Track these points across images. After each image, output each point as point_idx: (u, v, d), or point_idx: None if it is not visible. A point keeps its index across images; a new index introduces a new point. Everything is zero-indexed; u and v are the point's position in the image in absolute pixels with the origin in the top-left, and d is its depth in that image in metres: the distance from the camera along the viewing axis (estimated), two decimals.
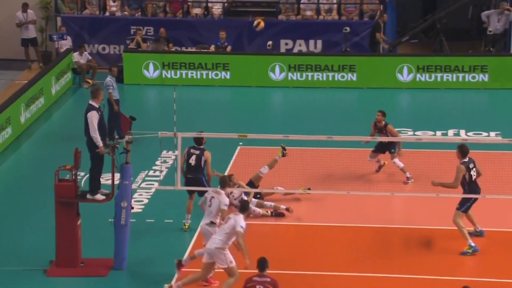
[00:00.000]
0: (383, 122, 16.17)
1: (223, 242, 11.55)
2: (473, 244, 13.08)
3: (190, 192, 14.07)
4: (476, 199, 13.28)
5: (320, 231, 14.08)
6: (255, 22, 16.04)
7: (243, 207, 11.77)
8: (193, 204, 13.95)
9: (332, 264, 12.81)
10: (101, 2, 25.74)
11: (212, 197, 12.29)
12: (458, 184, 13.07)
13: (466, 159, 13.21)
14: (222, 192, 12.30)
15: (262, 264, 10.62)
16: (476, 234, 13.56)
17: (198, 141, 14.11)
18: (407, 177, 15.97)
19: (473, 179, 13.17)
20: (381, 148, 16.20)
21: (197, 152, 14.01)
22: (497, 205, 14.76)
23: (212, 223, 12.25)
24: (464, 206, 13.27)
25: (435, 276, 12.53)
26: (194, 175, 13.85)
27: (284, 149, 15.39)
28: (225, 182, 12.46)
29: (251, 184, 15.06)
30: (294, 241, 13.87)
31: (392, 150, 16.06)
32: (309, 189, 14.93)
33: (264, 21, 16.01)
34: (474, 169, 13.21)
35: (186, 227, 14.21)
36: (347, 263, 12.88)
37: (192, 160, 13.94)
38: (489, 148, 17.00)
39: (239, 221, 11.51)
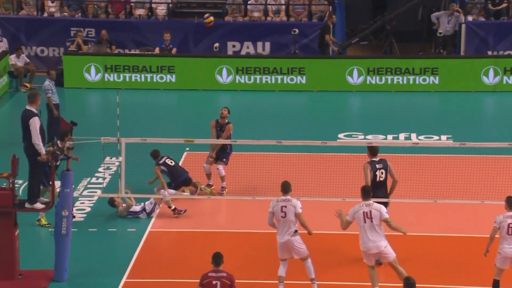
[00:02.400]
0: (226, 120, 15.96)
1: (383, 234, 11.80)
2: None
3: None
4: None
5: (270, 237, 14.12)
6: (207, 19, 15.88)
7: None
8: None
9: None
10: (39, 3, 25.43)
11: (283, 206, 12.00)
12: (367, 180, 12.93)
13: (376, 159, 13.16)
14: (289, 197, 12.14)
15: (217, 259, 10.65)
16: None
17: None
18: (222, 187, 15.83)
19: (377, 179, 13.03)
20: (219, 155, 15.86)
21: None
22: (451, 210, 15.00)
23: (296, 232, 12.05)
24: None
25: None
26: None
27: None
28: (288, 187, 12.25)
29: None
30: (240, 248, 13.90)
31: (224, 160, 15.83)
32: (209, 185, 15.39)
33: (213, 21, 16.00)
34: (381, 170, 13.05)
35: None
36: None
37: None
38: (440, 152, 17.29)
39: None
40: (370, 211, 11.78)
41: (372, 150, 13.29)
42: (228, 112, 16.09)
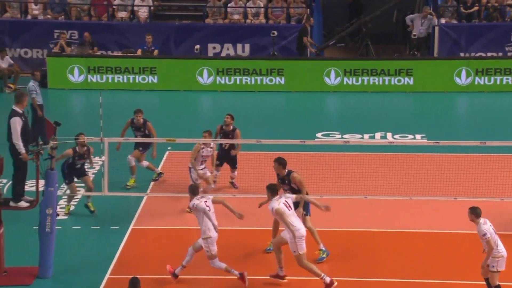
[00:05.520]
0: (232, 126, 15.71)
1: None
2: (324, 248, 13.00)
3: None
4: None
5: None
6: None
7: None
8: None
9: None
10: (23, 5, 25.28)
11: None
12: (306, 190, 12.99)
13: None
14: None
15: (133, 284, 10.50)
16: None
17: None
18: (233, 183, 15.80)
19: None
20: (224, 159, 15.73)
21: None
22: (425, 206, 15.07)
23: None
24: (309, 208, 13.13)
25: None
26: None
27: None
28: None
29: None
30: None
31: (236, 165, 15.74)
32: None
33: None
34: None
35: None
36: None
37: None
38: (415, 150, 17.38)
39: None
40: (286, 201, 12.20)
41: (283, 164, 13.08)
42: (232, 118, 15.77)
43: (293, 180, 13.03)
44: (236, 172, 15.91)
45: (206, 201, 12.26)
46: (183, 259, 12.54)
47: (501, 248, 11.48)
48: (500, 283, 11.56)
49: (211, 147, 15.13)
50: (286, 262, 12.28)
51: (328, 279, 11.98)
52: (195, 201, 12.25)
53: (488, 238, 11.38)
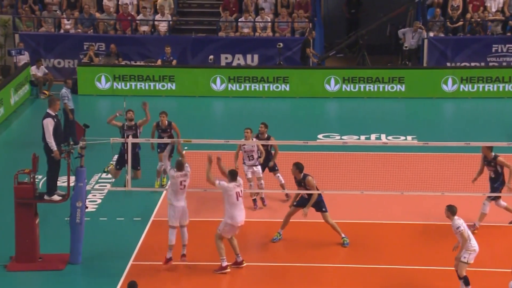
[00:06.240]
0: (266, 134, 15.28)
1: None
2: (344, 235, 13.11)
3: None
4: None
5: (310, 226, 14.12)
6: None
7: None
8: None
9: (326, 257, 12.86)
10: (56, 21, 25.39)
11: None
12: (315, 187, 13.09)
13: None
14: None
15: (131, 287, 10.35)
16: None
17: None
18: (286, 194, 15.17)
19: None
20: (264, 165, 15.20)
21: None
22: (415, 200, 15.06)
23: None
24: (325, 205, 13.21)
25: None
26: None
27: None
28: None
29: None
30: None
31: (276, 168, 15.28)
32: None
33: None
34: None
35: None
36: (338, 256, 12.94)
37: None
38: (406, 150, 17.37)
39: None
40: (241, 191, 12.20)
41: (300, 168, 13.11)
42: (266, 126, 15.17)
43: (307, 183, 13.04)
44: (280, 177, 15.24)
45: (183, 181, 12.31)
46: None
47: (474, 243, 11.42)
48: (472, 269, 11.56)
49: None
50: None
51: (224, 264, 12.10)
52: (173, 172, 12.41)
53: (462, 230, 11.35)
